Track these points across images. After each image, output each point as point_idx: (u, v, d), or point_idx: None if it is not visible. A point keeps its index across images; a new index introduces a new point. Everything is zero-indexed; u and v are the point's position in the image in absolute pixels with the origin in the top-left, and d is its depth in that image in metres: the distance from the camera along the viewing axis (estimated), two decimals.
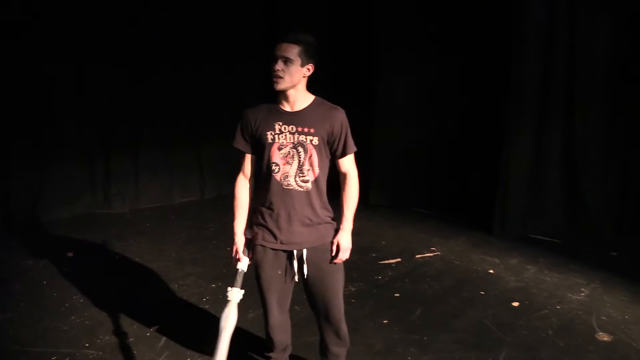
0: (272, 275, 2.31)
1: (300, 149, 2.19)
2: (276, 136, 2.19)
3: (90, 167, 5.60)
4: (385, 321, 3.25)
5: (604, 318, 3.30)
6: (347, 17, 6.15)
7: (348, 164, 2.31)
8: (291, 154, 2.19)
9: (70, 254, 4.33)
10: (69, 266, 4.08)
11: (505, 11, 4.78)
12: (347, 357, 2.59)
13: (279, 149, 2.19)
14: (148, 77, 5.66)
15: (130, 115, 5.71)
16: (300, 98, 2.20)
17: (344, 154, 2.28)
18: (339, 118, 2.23)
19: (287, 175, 2.21)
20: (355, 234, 2.37)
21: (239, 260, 2.32)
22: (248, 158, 2.31)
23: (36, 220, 5.16)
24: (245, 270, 2.31)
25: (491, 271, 4.07)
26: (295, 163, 2.20)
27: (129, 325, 3.16)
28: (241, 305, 2.27)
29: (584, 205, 4.84)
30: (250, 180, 2.35)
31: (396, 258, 4.33)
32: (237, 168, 2.36)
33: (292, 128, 2.19)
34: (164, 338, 3.01)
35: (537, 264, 4.19)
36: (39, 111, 5.13)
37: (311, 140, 2.19)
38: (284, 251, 2.28)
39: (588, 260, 4.25)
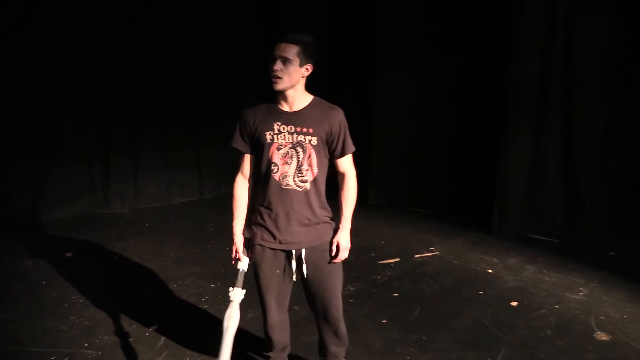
0: (271, 274, 2.31)
1: (299, 149, 2.20)
2: (275, 136, 2.20)
3: (90, 167, 5.59)
4: (384, 321, 3.26)
5: (603, 317, 3.31)
6: (346, 17, 6.14)
7: (347, 164, 2.32)
8: (290, 154, 2.20)
9: (69, 254, 4.33)
10: (68, 266, 4.08)
11: (505, 11, 4.77)
12: (346, 356, 2.60)
13: (278, 149, 2.20)
14: (148, 77, 5.65)
15: (130, 116, 5.70)
16: (299, 98, 2.21)
17: (342, 154, 2.28)
18: (338, 118, 2.23)
19: (285, 175, 2.21)
20: (354, 233, 2.37)
21: (239, 260, 2.32)
22: (247, 158, 2.32)
23: (36, 220, 5.15)
24: (246, 269, 2.32)
25: (490, 271, 4.08)
26: (294, 163, 2.20)
27: (128, 325, 3.16)
28: (241, 305, 2.28)
29: (582, 204, 4.85)
30: (249, 180, 2.35)
31: (395, 258, 4.33)
32: (236, 168, 2.36)
33: (290, 128, 2.19)
34: (163, 338, 3.02)
35: (536, 264, 4.19)
36: (39, 111, 5.11)
37: (310, 140, 2.19)
38: (283, 251, 2.29)
39: (586, 259, 4.25)
